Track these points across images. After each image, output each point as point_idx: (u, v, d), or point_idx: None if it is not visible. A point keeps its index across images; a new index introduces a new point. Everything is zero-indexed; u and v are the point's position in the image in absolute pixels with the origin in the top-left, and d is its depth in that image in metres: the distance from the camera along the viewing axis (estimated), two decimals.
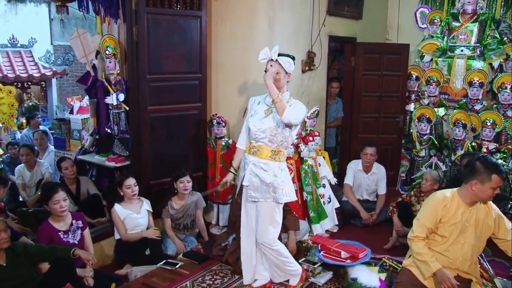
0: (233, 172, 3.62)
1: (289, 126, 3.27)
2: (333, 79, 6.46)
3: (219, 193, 4.89)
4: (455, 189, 3.16)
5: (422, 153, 6.05)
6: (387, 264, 3.90)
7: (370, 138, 5.76)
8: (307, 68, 5.33)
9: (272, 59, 3.30)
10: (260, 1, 4.75)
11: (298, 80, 5.27)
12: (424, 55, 6.27)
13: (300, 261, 4.03)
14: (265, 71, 3.32)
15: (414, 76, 6.28)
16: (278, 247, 3.47)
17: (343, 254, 3.86)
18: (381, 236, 4.66)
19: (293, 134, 3.40)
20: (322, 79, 5.76)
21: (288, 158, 4.76)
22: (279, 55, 3.30)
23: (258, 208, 3.40)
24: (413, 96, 6.35)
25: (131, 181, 4.18)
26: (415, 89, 6.34)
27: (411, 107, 6.33)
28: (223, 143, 4.92)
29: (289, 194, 3.40)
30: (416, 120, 6.06)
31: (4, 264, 3.14)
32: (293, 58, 3.38)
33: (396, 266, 3.82)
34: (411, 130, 6.23)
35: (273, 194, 3.31)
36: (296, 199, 3.57)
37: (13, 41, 10.13)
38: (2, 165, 5.65)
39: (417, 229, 3.13)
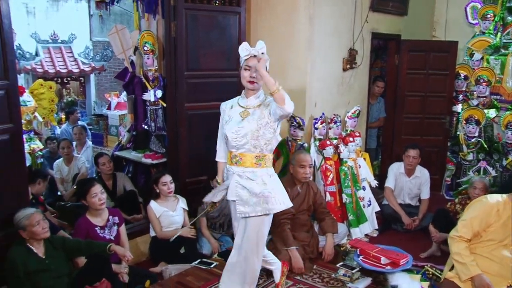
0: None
1: (284, 117, 3.02)
2: (378, 78, 6.37)
3: None
4: (505, 194, 3.07)
5: (470, 157, 5.87)
6: (430, 272, 3.81)
7: (413, 140, 5.68)
8: (348, 66, 5.27)
9: (255, 56, 2.95)
10: None
11: (339, 78, 5.22)
12: (474, 53, 6.09)
13: (338, 265, 4.02)
14: (247, 69, 3.00)
15: (462, 75, 6.11)
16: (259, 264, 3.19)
17: (383, 260, 3.80)
18: (424, 242, 4.56)
19: (277, 134, 3.09)
20: (364, 78, 5.69)
21: (327, 159, 4.75)
22: None
23: (247, 223, 3.07)
24: (460, 97, 6.18)
25: (167, 178, 4.26)
26: (463, 89, 6.17)
27: (458, 108, 6.17)
28: None
29: (283, 201, 3.10)
30: (464, 121, 5.89)
31: (43, 257, 3.26)
32: None
33: (439, 275, 3.72)
34: (458, 132, 6.06)
35: (265, 205, 3.00)
36: (291, 205, 3.23)
37: (54, 37, 10.44)
38: (42, 160, 5.84)
39: (463, 229, 3.07)
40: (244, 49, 3.02)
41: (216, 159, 3.31)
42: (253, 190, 3.00)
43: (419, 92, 6.07)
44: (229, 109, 3.15)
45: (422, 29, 6.67)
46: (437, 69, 6.00)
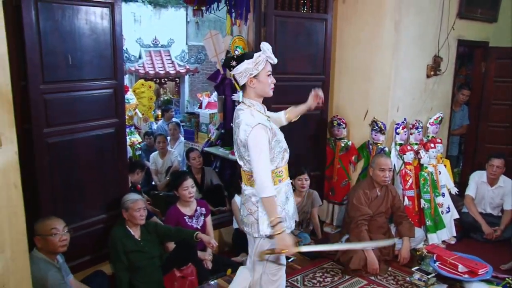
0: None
1: None
2: (464, 86, 6.02)
3: (335, 192, 4.85)
4: None
5: None
6: None
7: (498, 149, 5.29)
8: (432, 73, 5.02)
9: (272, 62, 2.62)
10: (387, 4, 4.58)
11: (422, 84, 4.99)
12: None
13: (413, 269, 3.86)
14: (271, 74, 2.67)
15: None
16: None
17: (461, 268, 3.59)
18: (505, 254, 4.23)
19: None
20: (448, 85, 5.39)
21: (407, 164, 4.58)
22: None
23: None
24: None
25: None
26: None
27: None
28: (343, 144, 4.85)
29: None
30: None
31: (139, 239, 3.46)
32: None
33: None
34: None
35: None
36: None
37: (155, 42, 11.00)
38: (140, 152, 6.17)
39: None
40: (273, 56, 2.61)
41: (271, 194, 2.44)
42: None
43: (506, 101, 5.63)
44: (269, 123, 2.65)
45: None
46: None
